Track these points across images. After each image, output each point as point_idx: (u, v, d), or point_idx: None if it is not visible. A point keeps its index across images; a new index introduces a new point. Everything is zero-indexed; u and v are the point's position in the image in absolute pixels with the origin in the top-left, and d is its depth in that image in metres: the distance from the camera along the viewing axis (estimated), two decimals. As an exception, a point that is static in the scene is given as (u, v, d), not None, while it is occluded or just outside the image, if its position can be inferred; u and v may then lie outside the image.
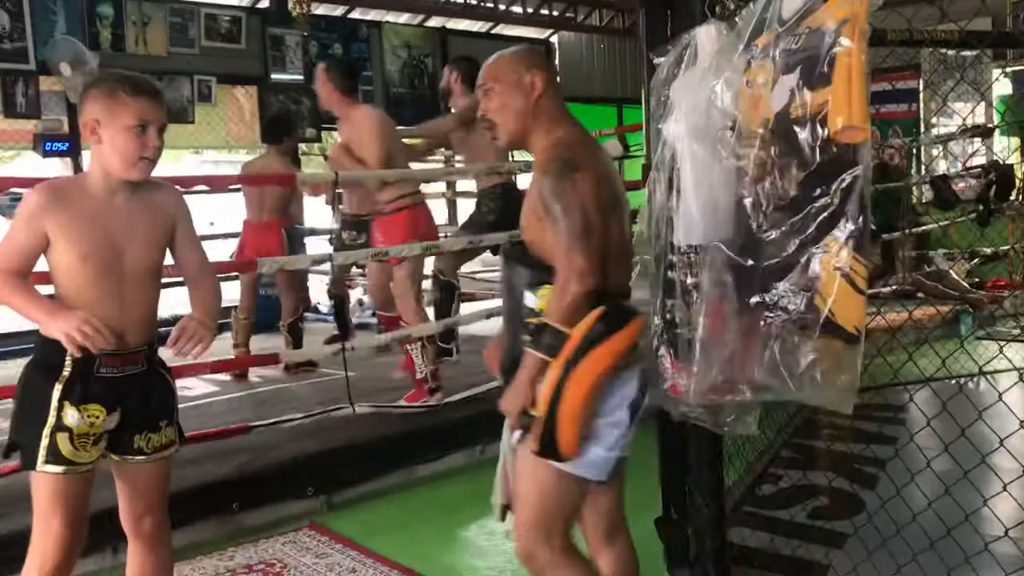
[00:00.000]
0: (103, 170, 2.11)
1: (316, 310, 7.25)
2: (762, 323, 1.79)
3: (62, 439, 2.09)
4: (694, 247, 2.04)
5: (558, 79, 2.23)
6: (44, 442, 2.09)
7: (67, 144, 6.84)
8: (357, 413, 4.07)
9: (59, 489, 2.11)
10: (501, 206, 5.00)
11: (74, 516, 2.13)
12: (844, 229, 1.65)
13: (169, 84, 7.45)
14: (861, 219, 1.67)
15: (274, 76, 8.23)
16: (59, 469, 2.09)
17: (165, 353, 2.26)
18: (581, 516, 2.17)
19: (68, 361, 2.09)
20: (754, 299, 1.81)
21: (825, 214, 1.67)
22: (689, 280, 2.08)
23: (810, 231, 1.69)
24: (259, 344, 5.83)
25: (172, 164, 11.05)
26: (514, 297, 2.08)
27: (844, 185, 1.65)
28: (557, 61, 10.84)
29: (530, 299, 2.02)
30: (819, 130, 1.67)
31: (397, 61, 9.39)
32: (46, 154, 6.72)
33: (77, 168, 7.04)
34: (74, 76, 6.68)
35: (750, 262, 1.81)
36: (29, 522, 2.17)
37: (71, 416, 2.10)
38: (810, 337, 1.70)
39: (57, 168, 6.89)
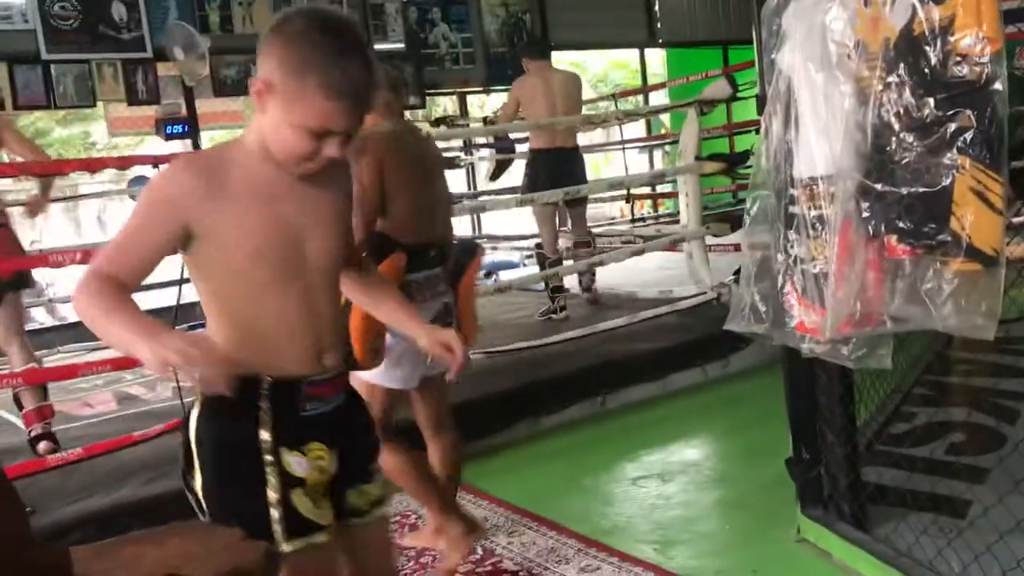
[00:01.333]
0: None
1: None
2: (897, 250, 1.74)
3: (299, 497, 1.54)
4: (816, 178, 1.99)
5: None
6: (276, 512, 1.52)
7: (186, 126, 7.12)
8: (475, 364, 4.15)
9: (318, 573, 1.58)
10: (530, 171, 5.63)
11: None
12: (979, 146, 1.58)
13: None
14: (996, 136, 1.60)
15: (376, 45, 8.33)
16: (309, 541, 1.55)
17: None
18: (415, 413, 2.81)
19: (265, 396, 1.54)
20: (886, 226, 1.76)
21: (957, 132, 1.61)
22: (812, 213, 2.03)
23: (942, 151, 1.63)
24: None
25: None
26: None
27: (977, 101, 1.58)
28: (657, 7, 10.61)
29: None
30: (947, 44, 1.60)
31: (496, 21, 9.37)
32: (168, 137, 7.01)
33: (196, 149, 7.35)
34: (188, 60, 6.93)
35: (880, 187, 1.75)
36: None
37: (296, 463, 1.54)
38: (948, 262, 1.64)
39: (178, 150, 7.19)
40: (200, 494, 1.56)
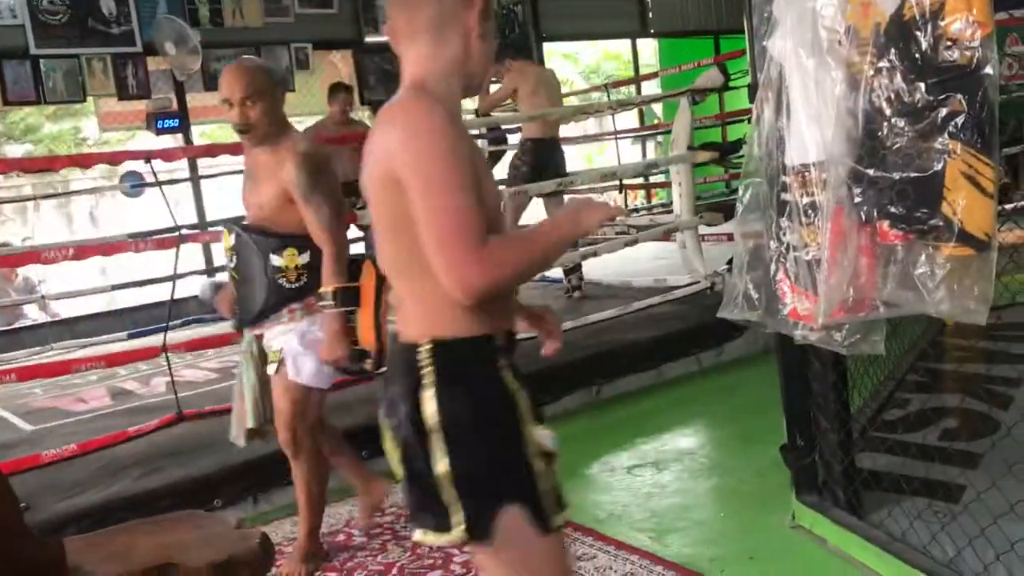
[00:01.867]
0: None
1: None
2: (890, 235, 1.74)
3: (550, 471, 1.48)
4: (808, 165, 1.99)
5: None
6: (544, 485, 1.45)
7: (177, 121, 7.09)
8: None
9: (562, 551, 1.52)
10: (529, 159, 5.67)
11: None
12: (970, 131, 1.58)
13: (268, 54, 7.62)
14: (987, 120, 1.60)
15: (368, 39, 8.31)
16: (564, 516, 1.49)
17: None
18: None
19: (502, 357, 1.47)
20: (878, 211, 1.76)
21: (948, 116, 1.61)
22: (804, 200, 2.03)
23: (934, 136, 1.63)
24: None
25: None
26: (254, 261, 2.62)
27: (968, 85, 1.58)
28: (649, -3, 10.59)
29: (276, 260, 2.61)
30: (937, 28, 1.60)
31: (487, 12, 9.33)
32: (159, 132, 6.99)
33: (188, 143, 7.33)
34: (179, 54, 6.90)
35: (872, 173, 1.75)
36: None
37: (546, 437, 1.47)
38: (940, 247, 1.65)
39: (170, 144, 7.16)
40: (448, 477, 1.39)
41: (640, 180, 9.33)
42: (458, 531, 1.40)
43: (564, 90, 7.04)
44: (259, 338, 2.77)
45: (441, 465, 1.39)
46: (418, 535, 1.48)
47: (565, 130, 6.37)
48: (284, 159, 2.56)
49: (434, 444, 1.39)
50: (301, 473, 2.81)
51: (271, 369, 2.74)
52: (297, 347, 2.66)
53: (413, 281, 1.42)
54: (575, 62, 15.05)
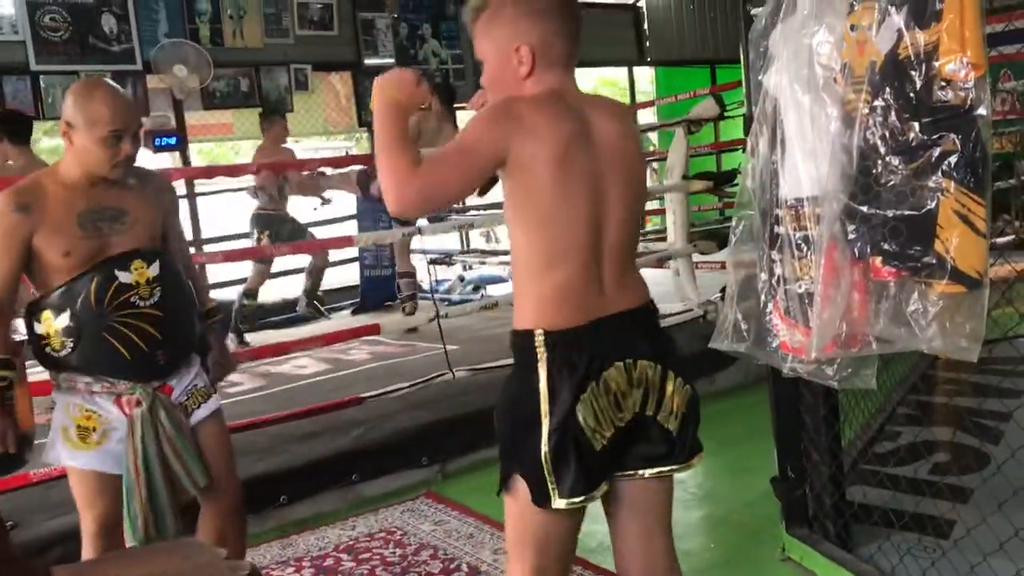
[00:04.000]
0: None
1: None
2: (883, 272, 1.75)
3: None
4: (801, 199, 2.01)
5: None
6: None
7: (175, 139, 7.11)
8: (463, 382, 4.15)
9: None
10: None
11: None
12: (963, 170, 1.60)
13: (267, 75, 7.66)
14: (981, 160, 1.62)
15: (367, 61, 8.36)
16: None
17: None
18: None
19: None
20: (871, 248, 1.77)
21: (942, 156, 1.62)
22: (797, 234, 2.04)
23: (927, 175, 1.65)
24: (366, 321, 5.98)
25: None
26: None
27: (962, 125, 1.60)
28: (646, 26, 10.68)
29: None
30: (931, 69, 1.62)
31: (485, 37, 9.41)
32: (157, 149, 7.00)
33: (186, 162, 7.34)
34: (190, 76, 6.96)
35: (866, 210, 1.77)
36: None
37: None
38: (933, 284, 1.66)
39: (167, 163, 7.17)
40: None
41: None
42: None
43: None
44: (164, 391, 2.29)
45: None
46: None
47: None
48: None
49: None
50: None
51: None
52: None
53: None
54: (572, 88, 15.13)
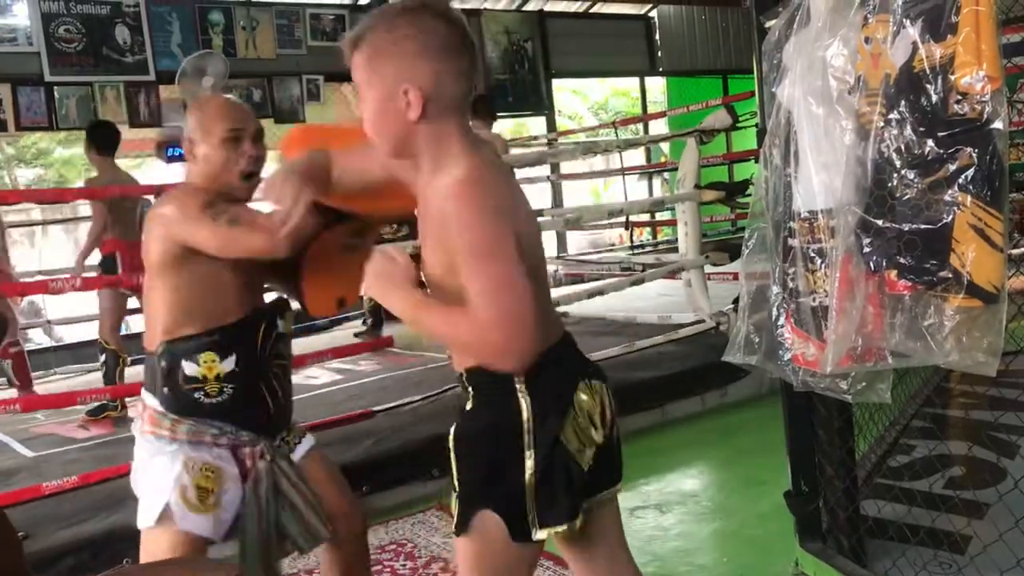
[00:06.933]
0: None
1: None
2: (898, 286, 1.74)
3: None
4: (816, 212, 1.99)
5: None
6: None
7: (188, 149, 7.14)
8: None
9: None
10: None
11: None
12: (979, 184, 1.59)
13: (279, 85, 7.70)
14: (997, 173, 1.61)
15: (378, 71, 8.38)
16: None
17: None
18: None
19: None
20: (887, 261, 1.76)
21: (958, 169, 1.61)
22: (811, 246, 2.03)
23: (943, 188, 1.64)
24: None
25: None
26: None
27: (978, 139, 1.59)
28: (658, 36, 10.69)
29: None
30: (947, 82, 1.61)
31: (497, 48, 9.44)
32: (169, 160, 7.03)
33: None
34: (215, 87, 7.00)
35: (881, 223, 1.75)
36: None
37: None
38: (949, 298, 1.64)
39: (180, 174, 7.20)
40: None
41: (646, 216, 9.36)
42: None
43: (571, 125, 7.12)
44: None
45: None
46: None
47: (574, 165, 6.43)
48: None
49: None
50: None
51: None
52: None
53: None
54: (584, 98, 15.19)
